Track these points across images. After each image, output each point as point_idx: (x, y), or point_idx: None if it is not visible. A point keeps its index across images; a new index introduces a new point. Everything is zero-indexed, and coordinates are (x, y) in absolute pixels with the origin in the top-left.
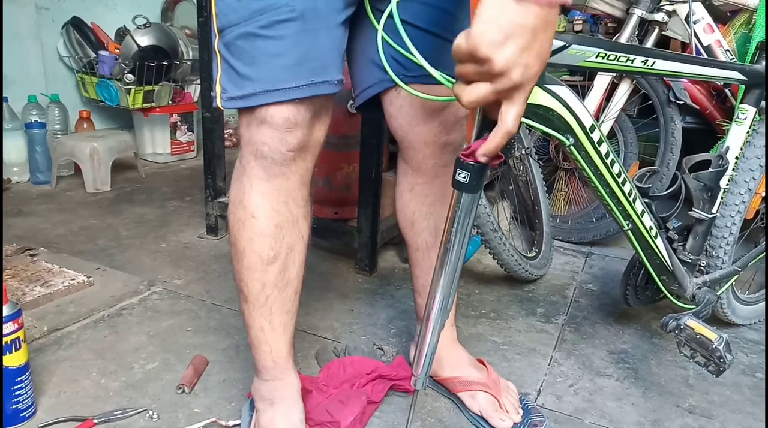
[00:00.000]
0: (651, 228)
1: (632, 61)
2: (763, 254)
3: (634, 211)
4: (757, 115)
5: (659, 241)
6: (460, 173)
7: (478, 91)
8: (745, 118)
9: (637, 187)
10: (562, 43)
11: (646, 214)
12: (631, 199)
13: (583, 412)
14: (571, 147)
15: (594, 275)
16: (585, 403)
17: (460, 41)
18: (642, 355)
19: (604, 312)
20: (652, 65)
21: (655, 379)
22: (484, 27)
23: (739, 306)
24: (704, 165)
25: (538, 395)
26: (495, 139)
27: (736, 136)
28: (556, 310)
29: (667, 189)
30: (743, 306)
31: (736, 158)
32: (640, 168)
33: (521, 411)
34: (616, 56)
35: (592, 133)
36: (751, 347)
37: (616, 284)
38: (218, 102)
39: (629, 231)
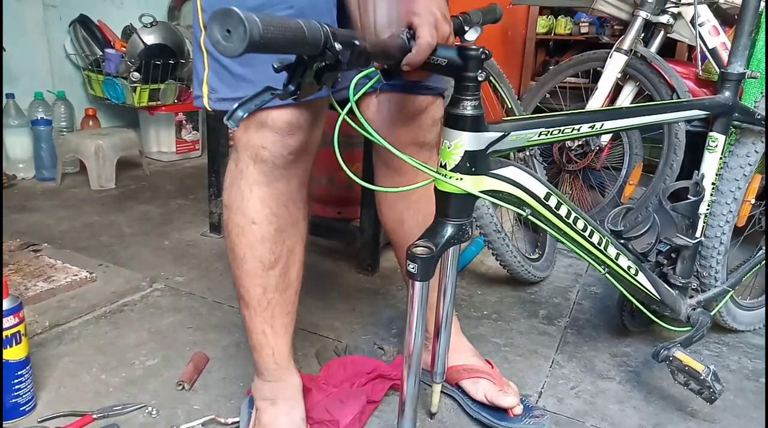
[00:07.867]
0: (629, 267)
1: (578, 129)
2: (758, 266)
3: (607, 256)
4: (728, 139)
5: (641, 277)
6: (409, 264)
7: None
8: (716, 145)
9: (610, 230)
10: (500, 133)
11: (621, 256)
12: (602, 247)
13: (584, 415)
14: (529, 216)
15: (597, 278)
16: (586, 406)
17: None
18: (644, 358)
19: (606, 315)
20: (601, 127)
21: (657, 383)
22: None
23: (739, 312)
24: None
25: (539, 397)
26: (419, 53)
27: (709, 163)
28: (558, 312)
29: (642, 227)
30: (744, 312)
31: (713, 184)
32: (644, 170)
33: (522, 406)
34: (560, 130)
35: (548, 200)
36: (755, 352)
37: None
38: (204, 102)
39: (607, 274)
